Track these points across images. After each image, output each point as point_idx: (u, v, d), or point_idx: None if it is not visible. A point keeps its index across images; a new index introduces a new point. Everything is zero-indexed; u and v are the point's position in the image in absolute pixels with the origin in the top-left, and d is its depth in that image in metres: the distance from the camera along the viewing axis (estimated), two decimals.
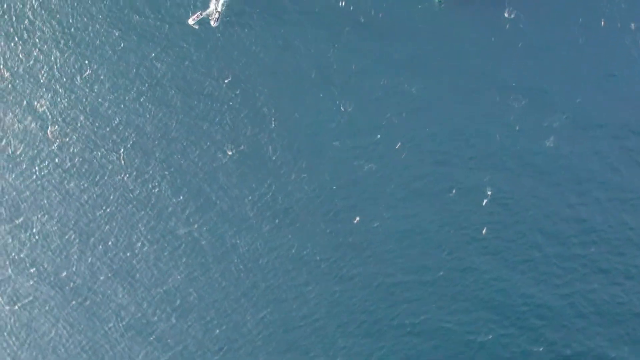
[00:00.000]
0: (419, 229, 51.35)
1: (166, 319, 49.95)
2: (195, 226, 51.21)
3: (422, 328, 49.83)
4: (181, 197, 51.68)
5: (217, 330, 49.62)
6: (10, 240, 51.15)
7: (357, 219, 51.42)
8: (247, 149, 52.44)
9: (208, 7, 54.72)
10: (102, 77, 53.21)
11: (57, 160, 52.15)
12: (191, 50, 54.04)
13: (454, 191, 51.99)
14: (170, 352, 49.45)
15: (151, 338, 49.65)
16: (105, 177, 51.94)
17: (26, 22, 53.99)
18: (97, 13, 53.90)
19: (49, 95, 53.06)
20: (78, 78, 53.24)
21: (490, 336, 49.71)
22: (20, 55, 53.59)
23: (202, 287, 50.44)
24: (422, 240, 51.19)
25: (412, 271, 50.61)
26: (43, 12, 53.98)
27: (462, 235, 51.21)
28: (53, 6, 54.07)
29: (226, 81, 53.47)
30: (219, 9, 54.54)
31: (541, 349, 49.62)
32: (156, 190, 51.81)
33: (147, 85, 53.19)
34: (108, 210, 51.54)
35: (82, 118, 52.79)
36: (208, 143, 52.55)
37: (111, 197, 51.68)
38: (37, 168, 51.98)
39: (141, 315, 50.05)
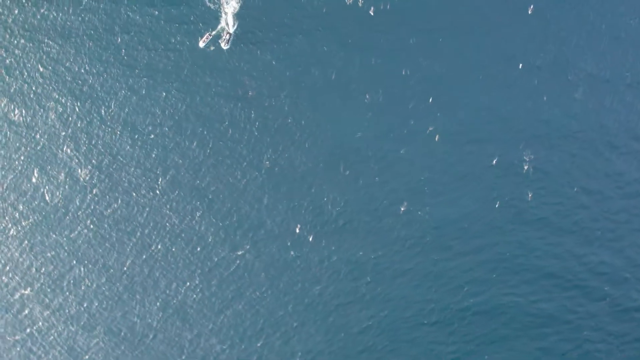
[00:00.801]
0: (467, 210, 52.00)
1: (236, 345, 50.35)
2: (247, 247, 51.30)
3: (487, 307, 50.76)
4: (227, 222, 51.59)
5: (294, 345, 50.06)
6: (57, 290, 50.79)
7: (403, 209, 51.80)
8: (283, 162, 52.42)
9: (216, 25, 54.11)
10: (124, 118, 52.42)
11: (94, 205, 51.66)
12: (208, 75, 53.17)
13: (493, 165, 52.54)
14: None
15: None
16: (145, 217, 51.56)
17: (39, 75, 53.06)
18: (109, 57, 52.81)
19: (73, 143, 52.23)
20: (100, 122, 52.44)
21: (554, 302, 50.69)
22: (38, 107, 52.67)
23: (264, 307, 50.75)
24: (472, 220, 51.87)
25: (468, 253, 51.33)
26: (55, 63, 52.92)
27: (510, 208, 52.00)
28: (65, 55, 52.98)
29: (249, 98, 53.04)
30: (230, 30, 54.03)
31: (605, 305, 50.75)
32: (199, 220, 51.62)
33: (171, 117, 52.59)
34: (154, 250, 51.35)
35: (109, 161, 52.08)
36: (244, 164, 52.32)
37: (154, 238, 51.44)
38: (74, 215, 51.50)
39: (209, 347, 50.37)
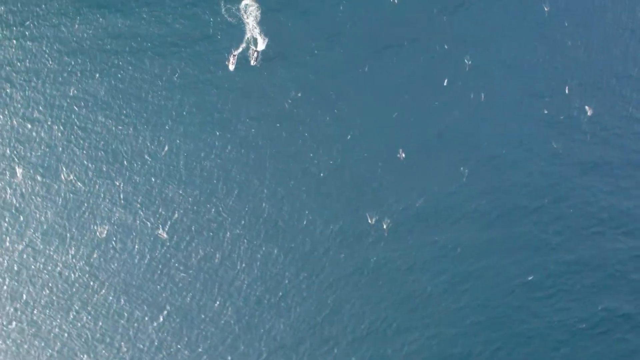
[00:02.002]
0: (530, 170, 51.77)
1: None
2: (330, 253, 49.33)
3: (539, 277, 49.88)
4: (301, 236, 49.62)
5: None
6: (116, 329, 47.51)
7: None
8: (341, 163, 50.99)
9: (238, 44, 52.91)
10: (177, 152, 50.33)
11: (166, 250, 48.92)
12: (243, 96, 51.68)
13: (545, 113, 53.04)
14: None
15: None
16: (215, 237, 49.21)
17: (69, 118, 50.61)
18: (147, 94, 50.78)
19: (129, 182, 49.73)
20: (150, 157, 50.27)
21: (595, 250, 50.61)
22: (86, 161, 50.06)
23: (357, 317, 48.55)
24: (539, 177, 51.78)
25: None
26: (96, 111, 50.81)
27: (572, 166, 52.17)
28: (103, 97, 50.79)
29: (296, 97, 51.77)
30: (257, 48, 52.99)
31: None
32: (272, 241, 49.50)
33: (223, 136, 50.90)
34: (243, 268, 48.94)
35: (172, 192, 49.75)
36: (299, 175, 50.83)
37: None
38: (141, 258, 48.66)
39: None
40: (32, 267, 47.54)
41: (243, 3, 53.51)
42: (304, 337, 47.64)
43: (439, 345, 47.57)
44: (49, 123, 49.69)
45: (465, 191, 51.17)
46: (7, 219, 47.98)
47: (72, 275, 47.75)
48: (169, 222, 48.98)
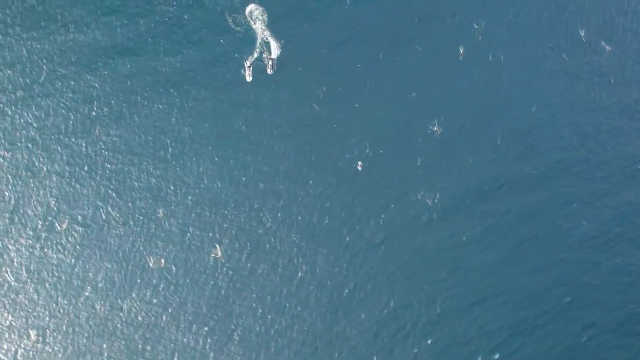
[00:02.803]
0: (561, 123, 52.30)
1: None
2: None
3: (593, 226, 50.64)
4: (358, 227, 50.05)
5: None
6: None
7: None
8: (377, 153, 51.20)
9: (252, 51, 52.52)
10: (215, 174, 50.30)
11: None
12: (269, 104, 51.68)
13: (566, 61, 53.21)
14: None
15: None
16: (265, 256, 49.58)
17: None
18: (174, 126, 50.55)
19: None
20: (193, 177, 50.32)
21: None
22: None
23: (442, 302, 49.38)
24: (571, 128, 52.33)
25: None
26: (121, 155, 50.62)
27: (601, 111, 52.74)
28: (132, 139, 50.36)
29: (320, 98, 51.78)
30: (272, 56, 52.71)
31: None
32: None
33: (258, 148, 51.01)
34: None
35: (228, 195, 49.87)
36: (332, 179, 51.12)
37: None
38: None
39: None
40: (98, 316, 47.80)
41: (248, 9, 53.13)
42: (379, 329, 48.43)
43: (512, 311, 48.52)
44: (86, 171, 49.46)
45: (502, 157, 51.67)
46: (66, 272, 48.10)
47: (140, 316, 48.02)
48: (223, 242, 49.11)
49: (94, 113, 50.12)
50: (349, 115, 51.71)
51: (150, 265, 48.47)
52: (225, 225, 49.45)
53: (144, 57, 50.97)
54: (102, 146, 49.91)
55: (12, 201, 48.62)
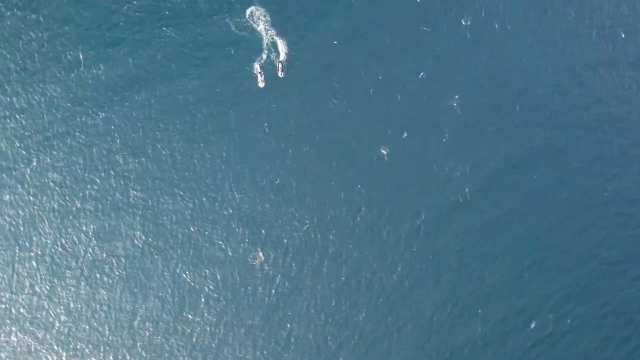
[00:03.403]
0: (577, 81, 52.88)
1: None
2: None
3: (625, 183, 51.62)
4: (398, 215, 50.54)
5: None
6: None
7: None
8: (405, 138, 51.53)
9: (259, 54, 52.08)
10: (246, 183, 50.31)
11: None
12: (287, 108, 51.49)
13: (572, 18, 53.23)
14: None
15: None
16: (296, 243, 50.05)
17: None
18: (202, 148, 50.35)
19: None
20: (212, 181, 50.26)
21: None
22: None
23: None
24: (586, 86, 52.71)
25: None
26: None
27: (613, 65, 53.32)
28: (164, 169, 49.65)
29: (337, 94, 51.72)
30: (280, 58, 52.39)
31: None
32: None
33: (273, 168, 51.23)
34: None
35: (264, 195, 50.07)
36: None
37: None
38: None
39: None
40: (154, 343, 48.13)
41: (248, 12, 52.43)
42: (435, 312, 49.46)
43: (561, 274, 49.92)
44: (118, 203, 48.92)
45: (524, 124, 52.18)
46: (115, 304, 48.19)
47: (194, 336, 48.38)
48: (263, 244, 49.49)
49: (116, 146, 49.50)
50: (366, 105, 51.62)
51: (195, 285, 48.78)
52: (263, 231, 49.67)
53: (156, 82, 50.21)
54: (130, 176, 49.43)
55: (49, 243, 48.25)
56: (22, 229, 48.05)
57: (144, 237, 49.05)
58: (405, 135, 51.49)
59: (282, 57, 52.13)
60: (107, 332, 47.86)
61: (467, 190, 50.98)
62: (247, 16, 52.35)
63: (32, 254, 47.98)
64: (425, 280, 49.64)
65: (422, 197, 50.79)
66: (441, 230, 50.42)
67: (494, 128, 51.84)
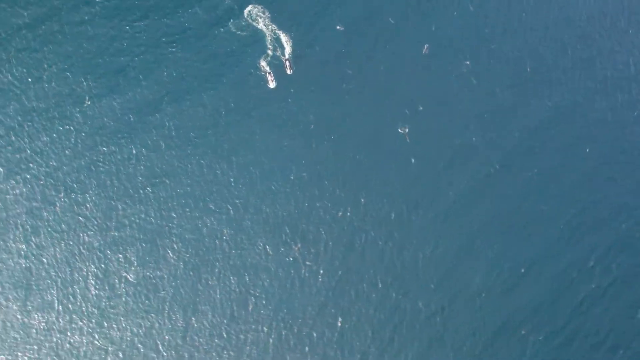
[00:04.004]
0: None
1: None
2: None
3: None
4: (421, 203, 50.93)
5: None
6: None
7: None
8: (422, 111, 51.70)
9: (265, 51, 51.64)
10: (274, 185, 50.50)
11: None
12: (303, 105, 51.37)
13: None
14: None
15: None
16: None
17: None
18: (226, 155, 50.45)
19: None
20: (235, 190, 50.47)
21: None
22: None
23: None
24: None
25: None
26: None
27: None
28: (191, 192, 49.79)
29: (349, 87, 51.65)
30: (287, 55, 52.01)
31: None
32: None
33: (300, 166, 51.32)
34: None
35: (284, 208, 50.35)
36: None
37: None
38: None
39: None
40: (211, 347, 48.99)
41: (246, 11, 52.07)
42: (488, 282, 50.03)
43: (600, 227, 50.50)
44: (151, 230, 48.93)
45: (540, 90, 52.46)
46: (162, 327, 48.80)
47: (241, 339, 48.89)
48: (302, 240, 49.74)
49: (140, 170, 49.51)
50: (381, 88, 51.59)
51: (241, 291, 49.11)
52: (300, 227, 49.92)
53: (169, 101, 50.09)
54: (160, 197, 49.48)
55: (91, 278, 48.31)
56: (63, 267, 48.16)
57: (183, 255, 49.20)
58: (420, 107, 51.57)
59: (288, 52, 51.86)
60: (163, 352, 48.31)
61: (496, 161, 51.35)
62: (246, 16, 51.97)
63: (73, 290, 48.06)
64: (467, 253, 50.16)
65: (451, 171, 51.11)
66: (475, 201, 50.82)
67: (509, 92, 51.94)
